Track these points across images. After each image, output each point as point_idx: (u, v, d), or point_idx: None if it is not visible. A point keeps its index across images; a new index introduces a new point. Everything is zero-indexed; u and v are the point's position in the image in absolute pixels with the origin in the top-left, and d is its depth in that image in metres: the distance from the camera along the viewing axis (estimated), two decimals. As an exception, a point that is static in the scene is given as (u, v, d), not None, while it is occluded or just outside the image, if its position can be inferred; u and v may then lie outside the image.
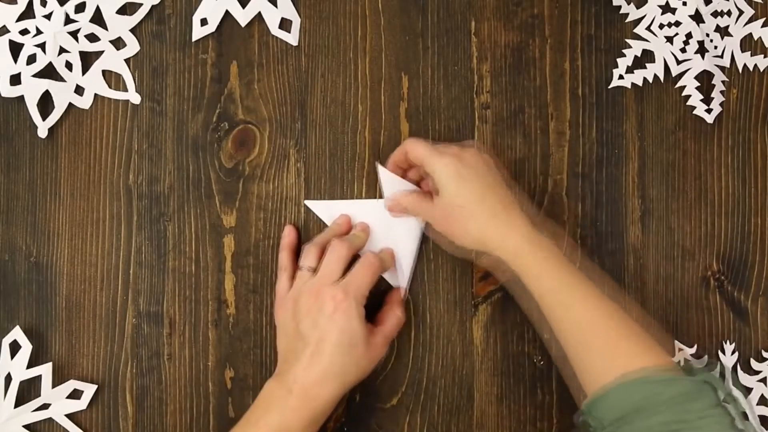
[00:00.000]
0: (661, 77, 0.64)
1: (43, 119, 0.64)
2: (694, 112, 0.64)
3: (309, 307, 0.57)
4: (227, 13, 0.64)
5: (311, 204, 0.64)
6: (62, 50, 0.64)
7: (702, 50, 0.64)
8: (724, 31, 0.65)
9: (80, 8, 0.64)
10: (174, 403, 0.63)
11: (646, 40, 0.64)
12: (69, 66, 0.64)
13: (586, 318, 0.54)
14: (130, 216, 0.64)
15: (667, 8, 0.64)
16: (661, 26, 0.64)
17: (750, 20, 0.65)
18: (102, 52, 0.64)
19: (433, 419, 0.64)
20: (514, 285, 0.59)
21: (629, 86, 0.64)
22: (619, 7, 0.65)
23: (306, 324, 0.56)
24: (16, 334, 0.63)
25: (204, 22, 0.64)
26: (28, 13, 0.64)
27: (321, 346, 0.56)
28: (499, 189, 0.57)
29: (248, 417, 0.57)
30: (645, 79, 0.64)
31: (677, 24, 0.64)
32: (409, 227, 0.62)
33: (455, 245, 0.58)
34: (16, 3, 0.64)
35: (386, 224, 0.62)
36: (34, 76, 0.63)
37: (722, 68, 0.64)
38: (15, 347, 0.63)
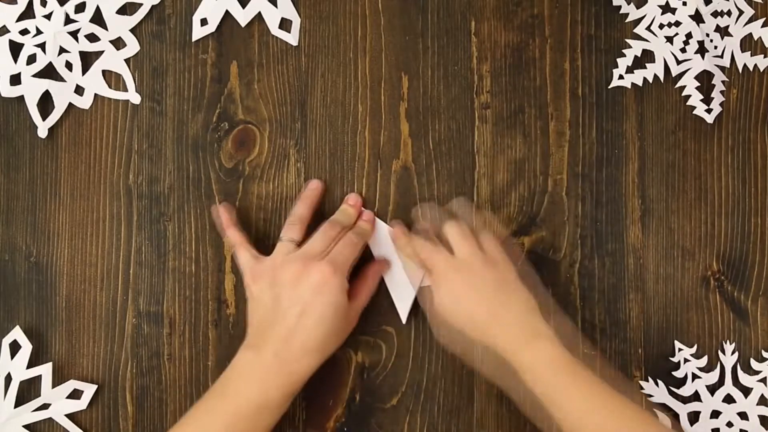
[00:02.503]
0: (661, 77, 0.64)
1: (43, 119, 0.64)
2: (694, 112, 0.64)
3: (293, 278, 0.56)
4: (227, 13, 0.64)
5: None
6: (62, 50, 0.64)
7: (702, 50, 0.64)
8: (724, 31, 0.64)
9: (80, 8, 0.64)
10: (174, 403, 0.63)
11: (646, 40, 0.64)
12: (69, 66, 0.64)
13: None
14: (130, 216, 0.64)
15: (667, 8, 0.64)
16: (661, 26, 0.64)
17: (750, 20, 0.64)
18: (102, 52, 0.64)
19: (433, 419, 0.64)
20: (504, 376, 0.58)
21: (629, 86, 0.64)
22: (619, 7, 0.65)
23: (288, 295, 0.56)
24: (16, 334, 0.63)
25: (204, 22, 0.64)
26: (28, 13, 0.64)
27: (303, 320, 0.55)
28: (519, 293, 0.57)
29: (223, 390, 0.56)
30: (645, 79, 0.64)
31: (677, 24, 0.64)
32: None
33: (452, 330, 0.58)
34: (16, 3, 0.64)
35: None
36: (34, 76, 0.63)
37: (722, 68, 0.64)
38: (15, 347, 0.63)
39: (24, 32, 0.64)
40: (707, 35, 0.64)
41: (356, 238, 0.60)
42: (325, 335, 0.56)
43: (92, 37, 0.64)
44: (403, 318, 0.63)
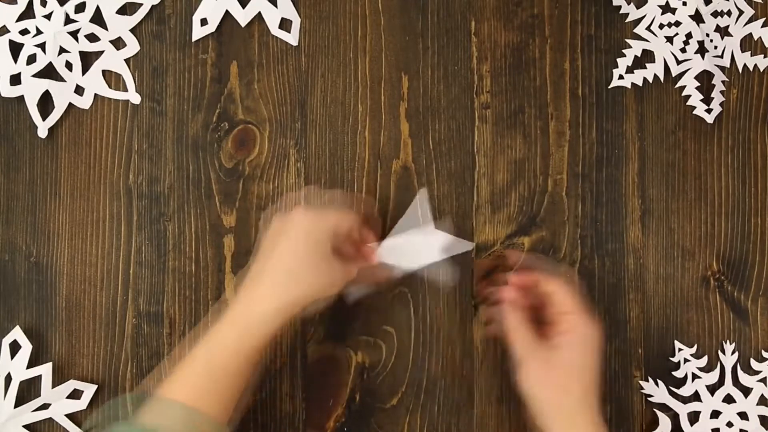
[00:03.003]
0: (661, 77, 0.64)
1: (43, 119, 0.64)
2: (694, 112, 0.64)
3: (276, 227, 0.56)
4: (227, 13, 0.64)
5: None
6: (62, 50, 0.64)
7: (702, 50, 0.64)
8: (724, 31, 0.64)
9: (80, 8, 0.64)
10: (174, 403, 0.63)
11: (646, 40, 0.64)
12: (69, 66, 0.64)
13: None
14: (130, 216, 0.64)
15: (667, 8, 0.64)
16: (661, 26, 0.64)
17: (750, 20, 0.64)
18: (102, 52, 0.64)
19: (433, 419, 0.64)
20: None
21: (629, 86, 0.64)
22: (619, 7, 0.65)
23: (266, 239, 0.56)
24: (16, 334, 0.63)
25: (204, 22, 0.64)
26: (28, 13, 0.64)
27: (269, 254, 0.54)
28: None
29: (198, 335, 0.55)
30: (645, 79, 0.64)
31: (677, 24, 0.64)
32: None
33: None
34: (16, 3, 0.64)
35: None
36: (34, 76, 0.63)
37: (722, 68, 0.64)
38: (15, 347, 0.63)
39: (24, 32, 0.64)
40: (707, 35, 0.64)
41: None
42: (295, 270, 0.53)
43: (92, 37, 0.64)
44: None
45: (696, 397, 0.62)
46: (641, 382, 0.63)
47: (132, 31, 0.65)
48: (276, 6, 0.64)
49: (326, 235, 0.55)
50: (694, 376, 0.63)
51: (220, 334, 0.53)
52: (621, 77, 0.64)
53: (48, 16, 0.64)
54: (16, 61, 0.63)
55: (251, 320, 0.53)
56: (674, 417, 0.62)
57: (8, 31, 0.64)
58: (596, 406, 0.54)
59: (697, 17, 0.64)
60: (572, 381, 0.54)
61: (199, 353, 0.53)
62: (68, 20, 0.64)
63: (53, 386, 0.62)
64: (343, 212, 0.57)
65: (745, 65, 0.64)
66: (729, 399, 0.62)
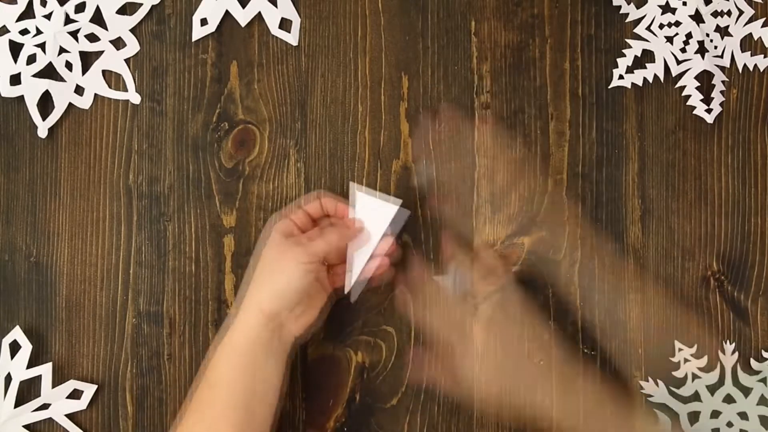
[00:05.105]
0: (661, 77, 0.64)
1: (43, 119, 0.64)
2: (694, 112, 0.64)
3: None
4: (227, 13, 0.64)
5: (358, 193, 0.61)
6: (62, 50, 0.64)
7: (702, 50, 0.64)
8: (724, 31, 0.64)
9: (80, 8, 0.64)
10: (174, 403, 0.63)
11: (646, 40, 0.64)
12: (69, 66, 0.64)
13: None
14: (130, 216, 0.64)
15: (667, 8, 0.64)
16: (661, 26, 0.64)
17: (750, 20, 0.64)
18: (102, 52, 0.64)
19: (433, 419, 0.64)
20: None
21: (629, 86, 0.64)
22: (619, 7, 0.65)
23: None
24: (16, 334, 0.63)
25: (204, 22, 0.64)
26: (28, 13, 0.64)
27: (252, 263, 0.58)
28: None
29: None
30: (645, 79, 0.64)
31: (677, 24, 0.64)
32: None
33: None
34: (16, 3, 0.64)
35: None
36: (34, 76, 0.63)
37: (722, 68, 0.64)
38: (15, 347, 0.63)
39: (24, 32, 0.64)
40: (707, 35, 0.64)
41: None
42: (259, 270, 0.57)
43: (92, 37, 0.64)
44: (347, 289, 0.60)
45: (696, 397, 0.62)
46: (641, 382, 0.63)
47: (132, 31, 0.65)
48: (276, 6, 0.64)
49: (289, 224, 0.58)
50: (694, 376, 0.63)
51: (213, 358, 0.56)
52: (621, 77, 0.64)
53: (48, 16, 0.64)
54: (16, 61, 0.63)
55: (232, 333, 0.56)
56: (674, 417, 0.62)
57: (8, 31, 0.63)
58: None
59: (697, 17, 0.64)
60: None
61: (201, 382, 0.56)
62: (68, 20, 0.64)
63: (53, 386, 0.62)
64: (307, 199, 0.61)
65: (745, 65, 0.64)
66: (729, 399, 0.62)
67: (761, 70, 0.65)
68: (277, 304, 0.56)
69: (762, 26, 0.64)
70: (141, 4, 0.64)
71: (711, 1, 0.64)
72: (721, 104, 0.64)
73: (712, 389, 0.62)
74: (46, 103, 0.64)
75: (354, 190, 0.60)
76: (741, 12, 0.64)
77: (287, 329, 0.57)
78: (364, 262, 0.60)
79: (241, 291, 0.58)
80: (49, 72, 0.64)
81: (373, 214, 0.60)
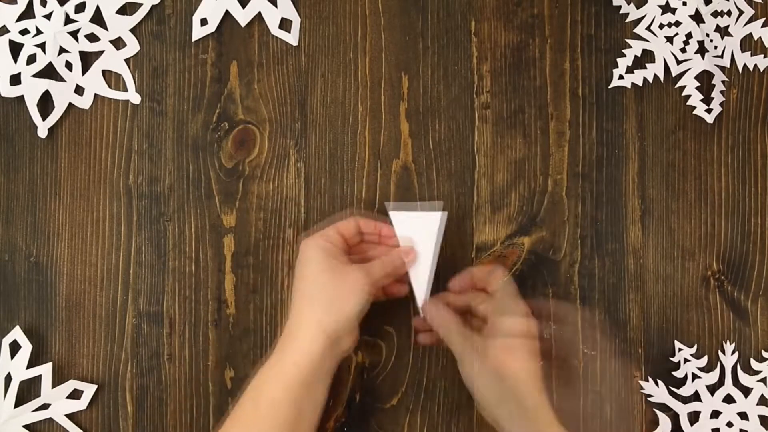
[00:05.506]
0: (661, 77, 0.64)
1: (43, 119, 0.64)
2: (694, 112, 0.64)
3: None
4: (227, 13, 0.64)
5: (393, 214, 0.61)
6: (62, 50, 0.64)
7: (702, 50, 0.64)
8: (724, 31, 0.64)
9: (80, 8, 0.64)
10: (174, 403, 0.63)
11: (646, 40, 0.64)
12: (69, 66, 0.64)
13: None
14: (130, 216, 0.64)
15: (667, 8, 0.64)
16: (661, 26, 0.64)
17: (750, 20, 0.65)
18: (102, 52, 0.64)
19: (433, 419, 0.64)
20: None
21: (629, 86, 0.64)
22: (619, 7, 0.65)
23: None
24: (16, 334, 0.63)
25: (204, 22, 0.64)
26: (28, 13, 0.64)
27: (294, 284, 0.57)
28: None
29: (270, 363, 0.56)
30: (645, 79, 0.64)
31: (677, 24, 0.64)
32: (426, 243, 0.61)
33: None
34: (16, 3, 0.64)
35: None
36: (34, 76, 0.63)
37: (722, 68, 0.64)
38: (15, 347, 0.63)
39: (24, 32, 0.64)
40: (707, 35, 0.64)
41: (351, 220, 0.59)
42: (314, 291, 0.56)
43: (92, 37, 0.64)
44: (420, 310, 0.60)
45: (696, 397, 0.62)
46: (641, 382, 0.63)
47: (132, 31, 0.65)
48: (276, 6, 0.64)
49: (332, 246, 0.57)
50: (694, 376, 0.63)
51: (263, 376, 0.55)
52: (621, 77, 0.64)
53: (48, 16, 0.64)
54: (16, 61, 0.63)
55: (292, 353, 0.54)
56: (674, 417, 0.62)
57: (8, 31, 0.64)
58: (540, 389, 0.55)
59: (697, 17, 0.64)
60: (507, 364, 0.55)
61: (246, 399, 0.54)
62: (68, 20, 0.64)
63: (53, 386, 0.62)
64: (343, 221, 0.59)
65: (745, 65, 0.64)
66: (729, 399, 0.62)
67: (761, 70, 0.65)
68: (341, 327, 0.55)
69: (762, 26, 0.64)
70: (141, 4, 0.64)
71: (711, 1, 0.64)
72: (721, 104, 0.64)
73: (712, 389, 0.63)
74: (46, 103, 0.64)
75: (391, 210, 0.60)
76: (741, 12, 0.64)
77: (340, 348, 0.56)
78: (428, 278, 0.59)
79: (293, 314, 0.56)
80: (49, 72, 0.64)
81: (419, 227, 0.60)
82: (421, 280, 0.59)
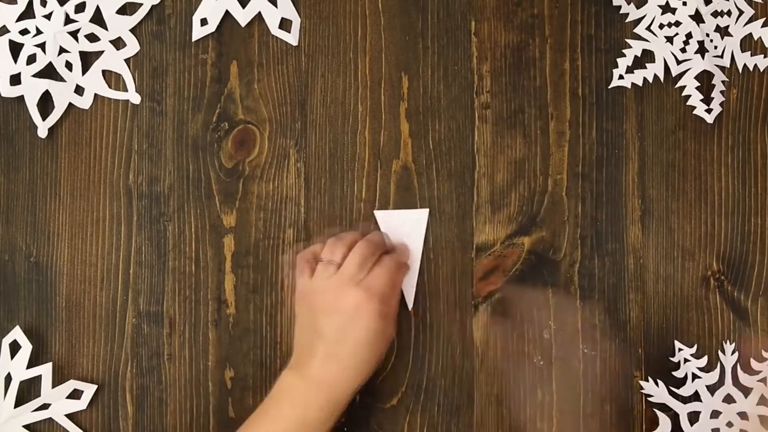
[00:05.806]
0: (661, 77, 0.64)
1: (43, 119, 0.64)
2: (694, 112, 0.64)
3: (328, 306, 0.56)
4: (227, 13, 0.64)
5: (379, 215, 0.64)
6: (62, 50, 0.64)
7: (702, 50, 0.64)
8: (724, 31, 0.64)
9: (80, 8, 0.64)
10: (174, 403, 0.63)
11: (646, 40, 0.64)
12: (69, 66, 0.64)
13: None
14: (130, 216, 0.64)
15: (667, 8, 0.64)
16: (661, 26, 0.64)
17: (750, 20, 0.64)
18: (102, 52, 0.64)
19: (433, 419, 0.64)
20: None
21: (629, 86, 0.64)
22: (619, 7, 0.65)
23: (324, 322, 0.56)
24: (16, 334, 0.63)
25: (204, 22, 0.64)
26: (28, 13, 0.64)
27: (340, 346, 0.55)
28: None
29: (266, 410, 0.56)
30: (645, 79, 0.64)
31: (677, 24, 0.64)
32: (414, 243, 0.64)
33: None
34: (16, 3, 0.64)
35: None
36: (34, 76, 0.63)
37: (722, 68, 0.64)
38: (15, 347, 0.63)
39: (24, 32, 0.64)
40: (707, 35, 0.64)
41: (392, 263, 0.59)
42: (362, 359, 0.56)
43: (92, 37, 0.64)
44: (410, 305, 0.63)
45: (696, 397, 0.62)
46: (641, 382, 0.63)
47: (132, 31, 0.65)
48: (276, 6, 0.64)
49: (389, 303, 0.58)
50: (694, 376, 0.63)
51: (293, 413, 0.55)
52: (621, 77, 0.64)
53: (48, 16, 0.64)
54: (16, 61, 0.63)
55: (329, 403, 0.55)
56: (674, 417, 0.62)
57: (8, 31, 0.64)
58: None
59: (697, 17, 0.64)
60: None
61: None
62: (68, 20, 0.64)
63: (53, 386, 0.62)
64: (385, 271, 0.58)
65: (745, 65, 0.64)
66: (729, 399, 0.62)
67: (761, 70, 0.65)
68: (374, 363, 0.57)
69: (762, 26, 0.64)
70: (141, 4, 0.64)
71: (711, 1, 0.64)
72: (721, 104, 0.64)
73: (712, 389, 0.62)
74: (46, 103, 0.64)
75: (380, 217, 0.63)
76: (741, 12, 0.64)
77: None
78: (416, 274, 0.62)
79: (304, 335, 0.58)
80: (49, 72, 0.64)
81: (407, 228, 0.63)
82: (411, 278, 0.62)
